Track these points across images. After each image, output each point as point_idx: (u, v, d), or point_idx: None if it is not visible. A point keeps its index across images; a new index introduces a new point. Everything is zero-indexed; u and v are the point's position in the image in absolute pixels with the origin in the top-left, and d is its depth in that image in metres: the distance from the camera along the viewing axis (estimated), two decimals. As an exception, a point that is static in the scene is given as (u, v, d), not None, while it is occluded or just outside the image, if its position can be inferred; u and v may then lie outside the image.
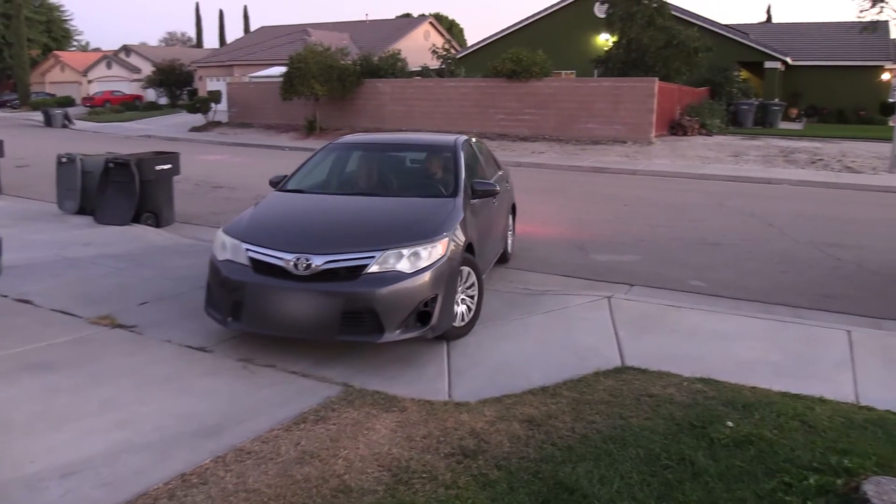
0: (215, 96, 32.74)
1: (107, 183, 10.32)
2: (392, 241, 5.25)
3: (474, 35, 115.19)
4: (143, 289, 6.95)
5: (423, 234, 5.40)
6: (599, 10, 31.79)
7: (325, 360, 5.25)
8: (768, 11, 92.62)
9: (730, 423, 4.00)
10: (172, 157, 10.95)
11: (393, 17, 62.07)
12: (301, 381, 4.84)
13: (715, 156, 20.38)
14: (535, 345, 5.66)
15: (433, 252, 5.26)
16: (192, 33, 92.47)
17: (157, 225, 10.47)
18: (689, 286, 7.77)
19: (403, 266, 5.13)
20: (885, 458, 3.57)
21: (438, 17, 63.58)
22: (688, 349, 5.53)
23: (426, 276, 5.15)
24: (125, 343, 5.46)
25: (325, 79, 25.87)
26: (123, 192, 10.19)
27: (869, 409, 4.46)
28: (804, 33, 39.41)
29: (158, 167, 10.55)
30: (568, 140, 23.30)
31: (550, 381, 4.80)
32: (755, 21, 52.62)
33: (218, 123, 31.61)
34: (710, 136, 25.01)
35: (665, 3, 26.78)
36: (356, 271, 5.08)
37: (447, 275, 5.32)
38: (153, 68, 46.75)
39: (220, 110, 32.40)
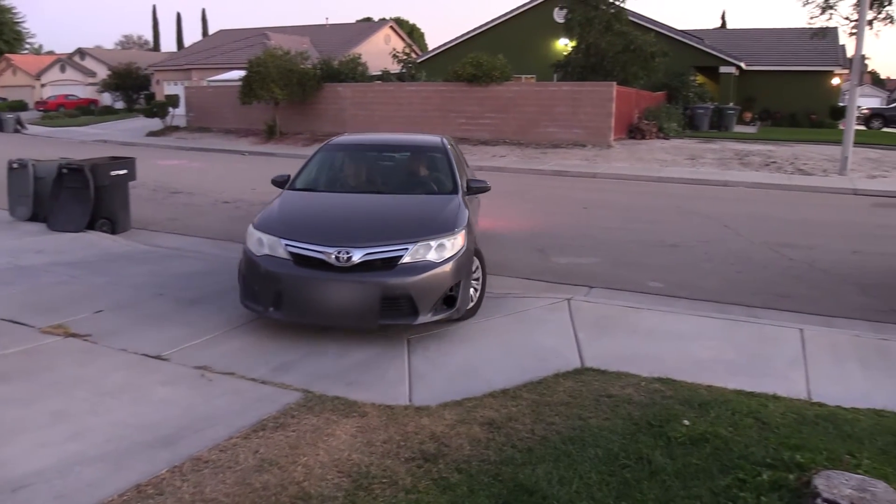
0: (173, 100, 32.24)
1: (60, 189, 10.10)
2: (420, 235, 5.84)
3: (435, 39, 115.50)
4: (98, 297, 6.82)
5: (445, 227, 6.04)
6: (559, 16, 32.07)
7: (284, 366, 5.21)
8: (723, 17, 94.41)
9: (686, 422, 4.06)
10: (128, 162, 10.76)
11: (353, 21, 61.84)
12: (260, 387, 4.79)
13: (672, 159, 20.70)
14: (495, 348, 5.68)
15: (455, 243, 5.92)
16: (149, 36, 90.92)
17: (113, 231, 10.27)
18: (647, 287, 7.88)
19: (432, 256, 5.74)
20: (836, 453, 3.67)
21: (399, 22, 63.58)
22: (646, 349, 5.61)
23: (451, 264, 5.78)
24: (79, 353, 5.35)
25: (285, 83, 25.68)
26: (77, 198, 9.98)
27: (820, 405, 4.57)
28: (758, 39, 40.31)
29: (113, 172, 10.36)
30: (528, 144, 23.45)
31: (511, 383, 4.83)
32: (710, 27, 53.68)
33: (176, 128, 31.15)
34: (667, 139, 25.40)
35: (622, 8, 27.13)
36: (392, 262, 5.62)
37: (466, 263, 5.99)
38: (109, 72, 45.88)
39: (178, 115, 31.93)
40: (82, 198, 9.95)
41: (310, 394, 4.63)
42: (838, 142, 19.46)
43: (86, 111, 46.59)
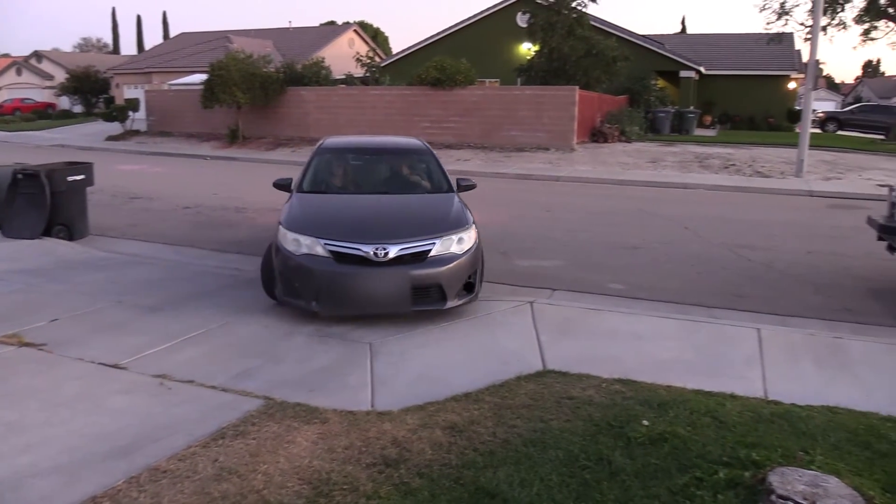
0: (133, 104, 31.68)
1: (15, 195, 9.87)
2: (442, 230, 6.56)
3: (399, 43, 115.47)
4: (54, 305, 6.68)
5: (460, 223, 6.79)
6: (522, 20, 32.31)
7: (245, 373, 5.16)
8: (683, 22, 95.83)
9: (646, 422, 4.12)
10: (85, 168, 10.56)
11: (317, 24, 61.55)
12: (221, 395, 4.74)
13: (634, 162, 20.96)
14: (458, 351, 5.70)
15: (471, 237, 6.70)
16: (109, 39, 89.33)
17: (70, 238, 10.07)
18: (609, 289, 7.96)
19: (455, 249, 6.47)
20: (790, 450, 3.74)
21: (363, 26, 63.37)
22: (607, 351, 5.67)
23: (470, 255, 6.54)
24: (33, 362, 5.23)
25: (248, 87, 25.42)
26: (33, 203, 9.76)
27: (776, 403, 4.66)
28: (717, 44, 41.04)
29: (70, 178, 10.17)
30: (492, 147, 23.56)
31: (473, 386, 4.84)
32: (671, 32, 54.42)
33: (136, 132, 30.64)
34: (629, 142, 25.72)
35: (584, 13, 27.41)
36: (422, 255, 6.31)
37: (478, 254, 6.73)
38: (67, 75, 45.02)
39: (139, 119, 31.39)
40: (38, 204, 9.73)
41: (271, 401, 4.59)
42: (795, 145, 19.89)
43: (43, 115, 45.57)
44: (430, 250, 6.34)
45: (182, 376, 5.03)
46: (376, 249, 6.15)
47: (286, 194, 7.72)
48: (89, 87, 43.81)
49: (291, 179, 7.75)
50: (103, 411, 4.46)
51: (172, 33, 71.36)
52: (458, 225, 6.73)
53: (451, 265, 6.34)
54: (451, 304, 6.36)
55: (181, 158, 24.23)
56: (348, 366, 5.36)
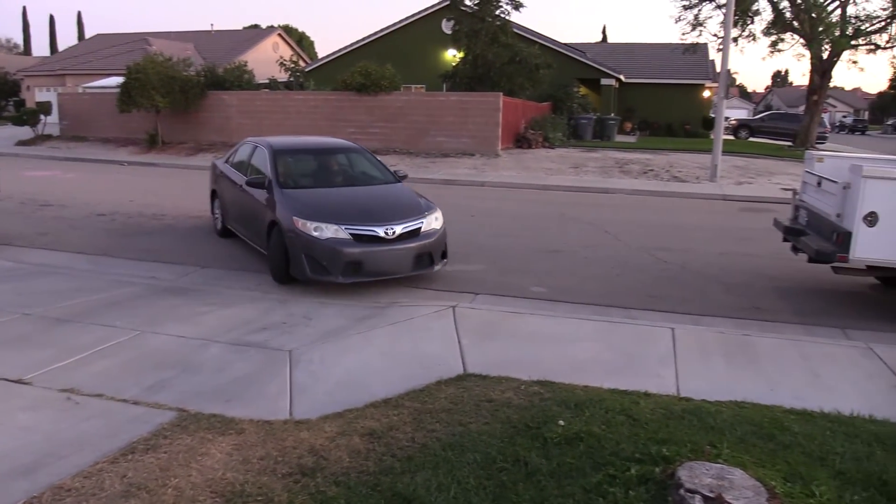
0: (45, 108, 30.35)
1: (-90, 203, 9.33)
2: (423, 212, 8.45)
3: (325, 48, 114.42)
4: (-48, 318, 6.33)
5: (430, 206, 8.70)
6: (447, 27, 32.46)
7: (158, 384, 5.00)
8: (604, 32, 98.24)
9: (562, 422, 4.18)
10: (-11, 174, 10.07)
11: (240, 28, 60.46)
12: (132, 408, 4.58)
13: (557, 167, 21.35)
14: (379, 357, 5.67)
15: (440, 216, 8.66)
16: (19, 39, 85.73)
17: (-27, 248, 9.58)
18: (530, 293, 8.07)
19: (434, 225, 8.42)
20: (699, 444, 3.87)
21: (288, 30, 62.60)
22: (527, 353, 5.74)
23: (443, 229, 8.55)
24: (-73, 379, 4.94)
25: (167, 90, 24.73)
26: (-70, 212, 9.25)
27: (687, 399, 4.82)
28: (636, 53, 42.33)
29: (-27, 185, 9.67)
30: (418, 153, 23.60)
31: (393, 392, 4.83)
32: (592, 41, 55.78)
33: (48, 137, 29.38)
34: (552, 148, 26.18)
35: (508, 21, 27.78)
36: (416, 232, 8.13)
37: (445, 228, 8.64)
38: (-28, 77, 42.90)
39: (51, 123, 30.11)
40: (-64, 212, 9.22)
41: (184, 412, 4.46)
42: (709, 150, 20.64)
43: (-54, 119, 43.28)
44: (420, 227, 8.21)
45: (91, 390, 4.84)
46: (386, 230, 7.89)
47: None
48: (-2, 90, 41.90)
49: (265, 177, 8.84)
50: (4, 429, 4.25)
51: (88, 34, 68.93)
52: (430, 208, 8.66)
53: (434, 238, 8.29)
54: (436, 267, 8.38)
55: (96, 164, 23.35)
56: (267, 374, 5.26)
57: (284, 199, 8.35)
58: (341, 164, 9.93)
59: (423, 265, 8.18)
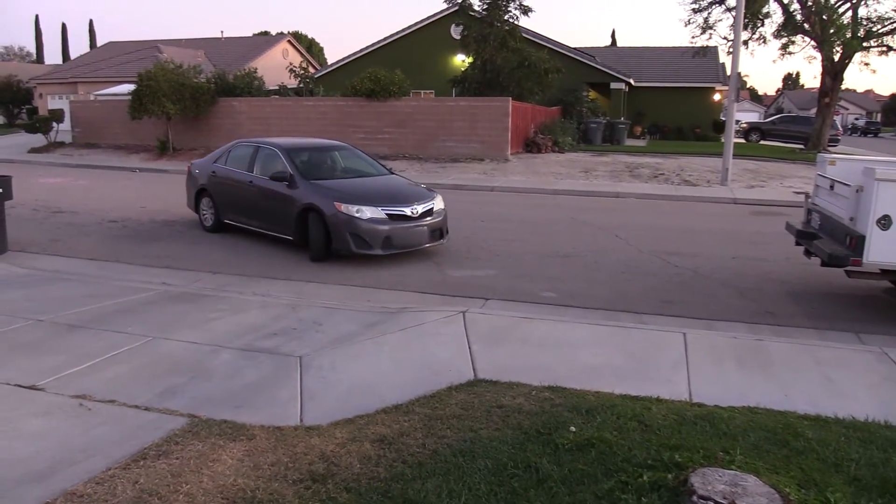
0: (57, 115, 30.59)
1: (-76, 210, 9.42)
2: (430, 195, 10.31)
3: (335, 54, 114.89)
4: (-34, 325, 6.36)
5: (433, 191, 10.66)
6: (455, 32, 32.55)
7: (170, 390, 5.01)
8: (613, 36, 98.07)
9: (573, 428, 4.16)
10: (3, 181, 10.13)
11: (250, 34, 60.77)
12: (143, 414, 4.58)
13: (567, 172, 21.31)
14: (389, 363, 5.66)
15: (441, 199, 10.44)
16: (32, 48, 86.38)
17: (-14, 255, 9.65)
18: (541, 298, 8.05)
19: (440, 206, 10.24)
20: (711, 451, 3.84)
21: (297, 36, 62.95)
22: (538, 359, 5.72)
23: (445, 210, 10.35)
24: (-59, 386, 4.97)
25: (178, 97, 24.90)
26: (-55, 220, 9.33)
27: (700, 405, 4.78)
28: (646, 57, 42.26)
29: (-14, 192, 9.74)
30: (428, 158, 23.63)
31: (404, 398, 4.81)
32: (601, 45, 55.74)
33: (61, 144, 29.62)
34: (562, 153, 26.16)
35: (516, 26, 27.79)
36: (430, 211, 9.94)
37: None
38: (-14, 85, 43.29)
39: (64, 130, 30.34)
40: (-50, 220, 9.30)
41: (196, 418, 4.46)
42: (720, 154, 20.56)
43: (-40, 127, 43.66)
44: (433, 207, 10.02)
45: (103, 396, 4.85)
46: (412, 209, 9.67)
47: None
48: (11, 98, 42.30)
49: (289, 172, 10.22)
50: (17, 435, 4.26)
51: (99, 42, 69.49)
52: (433, 192, 10.56)
53: (442, 216, 10.13)
54: (444, 240, 10.23)
55: (108, 171, 23.51)
56: (277, 380, 5.26)
57: (316, 188, 9.95)
58: (342, 160, 11.53)
59: (436, 238, 9.95)
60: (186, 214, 13.11)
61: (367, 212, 9.36)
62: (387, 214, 9.45)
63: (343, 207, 9.37)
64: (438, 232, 9.93)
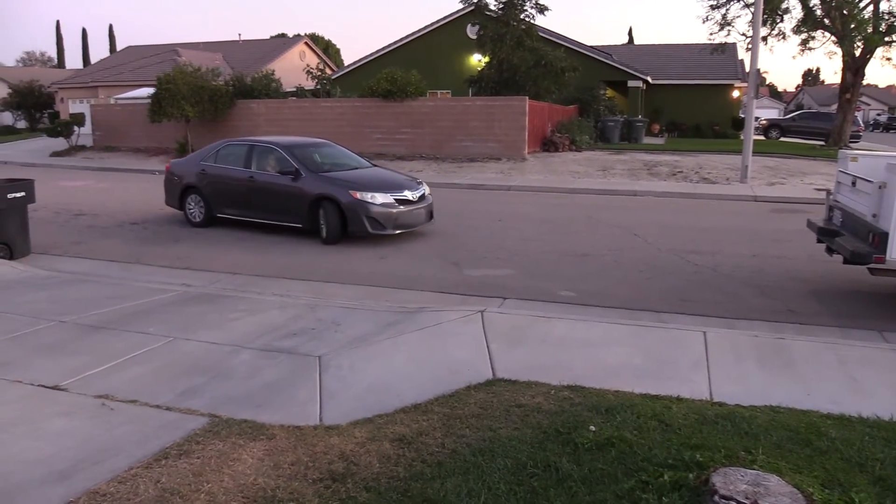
0: (78, 119, 30.93)
1: (-50, 214, 9.56)
2: (419, 183, 11.90)
3: (351, 55, 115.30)
4: (-10, 326, 6.45)
5: (419, 180, 12.31)
6: (471, 32, 32.54)
7: (191, 390, 5.05)
8: (630, 33, 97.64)
9: (593, 428, 4.14)
10: (26, 184, 10.27)
11: (268, 37, 61.09)
12: (165, 414, 4.62)
13: (584, 170, 21.23)
14: (408, 362, 5.66)
15: (427, 186, 12.05)
16: (53, 53, 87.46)
17: (11, 257, 9.79)
18: (559, 297, 8.02)
19: (428, 192, 11.87)
20: (733, 450, 3.80)
21: (314, 38, 63.19)
22: (557, 358, 5.70)
23: (431, 196, 11.89)
24: (-34, 386, 5.03)
25: (196, 100, 25.11)
26: (-31, 223, 9.46)
27: (721, 404, 4.74)
28: (663, 54, 41.98)
29: (10, 195, 9.89)
30: (444, 158, 23.64)
31: (423, 397, 4.81)
32: (618, 42, 55.46)
33: (82, 148, 29.94)
34: (579, 151, 26.06)
35: (532, 25, 27.73)
36: (424, 196, 11.57)
37: None
38: (10, 90, 43.90)
39: (84, 134, 30.69)
40: (-25, 223, 9.43)
41: (216, 418, 4.49)
42: (739, 151, 20.38)
43: (-16, 132, 44.25)
44: (424, 193, 11.67)
45: (125, 396, 4.90)
46: (413, 195, 11.22)
47: None
48: (33, 102, 42.82)
49: (293, 167, 11.40)
50: (41, 434, 4.31)
51: (119, 47, 70.18)
52: (420, 180, 12.19)
53: (431, 200, 11.73)
54: (432, 222, 11.77)
55: (128, 174, 23.75)
56: (297, 380, 5.28)
57: (326, 180, 11.28)
58: (331, 154, 12.71)
59: (429, 219, 11.62)
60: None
61: (380, 198, 10.75)
62: (395, 199, 10.87)
63: (358, 195, 10.69)
64: (430, 213, 11.58)
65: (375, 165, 12.94)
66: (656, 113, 38.01)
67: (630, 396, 4.78)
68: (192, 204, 12.75)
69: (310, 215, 11.12)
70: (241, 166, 12.15)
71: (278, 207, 11.57)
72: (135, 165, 25.43)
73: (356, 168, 12.25)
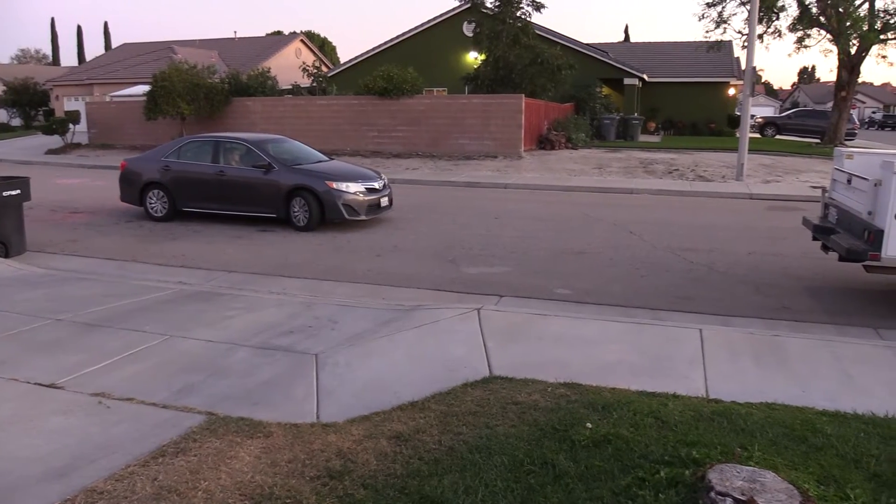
0: (74, 116, 30.82)
1: (-55, 212, 9.53)
2: (380, 174, 13.15)
3: (347, 53, 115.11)
4: (-14, 324, 6.43)
5: (377, 170, 14.10)
6: (468, 29, 32.51)
7: (187, 388, 5.05)
8: (626, 31, 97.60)
9: (589, 425, 4.14)
10: (21, 182, 10.24)
11: (263, 34, 60.97)
12: (161, 412, 4.62)
13: (580, 168, 21.24)
14: (405, 360, 5.67)
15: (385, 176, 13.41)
16: (48, 50, 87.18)
17: (6, 255, 9.76)
18: (555, 294, 8.03)
19: (387, 182, 13.09)
20: (729, 447, 3.81)
21: (310, 35, 63.10)
22: (553, 355, 5.71)
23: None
24: (-38, 384, 5.03)
25: (192, 97, 25.07)
26: (-36, 221, 9.43)
27: (717, 401, 4.75)
28: (659, 52, 42.01)
29: (5, 193, 9.85)
30: (441, 156, 23.63)
31: (419, 395, 4.82)
32: (614, 40, 55.46)
33: (77, 145, 29.84)
34: (575, 149, 26.08)
35: (529, 22, 27.73)
36: (386, 186, 12.74)
37: None
38: (4, 87, 43.70)
39: (80, 131, 30.59)
40: (-30, 220, 9.40)
41: (213, 416, 4.49)
42: (735, 149, 20.42)
43: (-22, 129, 44.08)
44: (385, 182, 12.86)
45: (121, 394, 4.90)
46: (378, 184, 12.42)
47: None
48: (28, 100, 42.67)
49: (268, 161, 12.19)
50: (38, 433, 4.31)
51: (114, 44, 69.97)
52: (379, 171, 13.88)
53: (391, 189, 12.96)
54: (391, 209, 12.89)
55: (124, 171, 23.63)
56: (293, 378, 5.28)
57: (301, 172, 12.18)
58: (292, 149, 13.43)
59: (390, 206, 12.79)
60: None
61: (353, 187, 11.86)
62: (366, 188, 12.06)
63: (334, 185, 11.70)
64: (390, 200, 12.74)
65: (333, 159, 14.02)
66: (652, 111, 38.05)
67: (626, 393, 4.79)
68: (154, 199, 13.10)
69: (284, 206, 11.95)
70: (208, 162, 12.70)
71: (251, 200, 12.28)
72: (130, 163, 25.31)
73: (320, 161, 13.23)
